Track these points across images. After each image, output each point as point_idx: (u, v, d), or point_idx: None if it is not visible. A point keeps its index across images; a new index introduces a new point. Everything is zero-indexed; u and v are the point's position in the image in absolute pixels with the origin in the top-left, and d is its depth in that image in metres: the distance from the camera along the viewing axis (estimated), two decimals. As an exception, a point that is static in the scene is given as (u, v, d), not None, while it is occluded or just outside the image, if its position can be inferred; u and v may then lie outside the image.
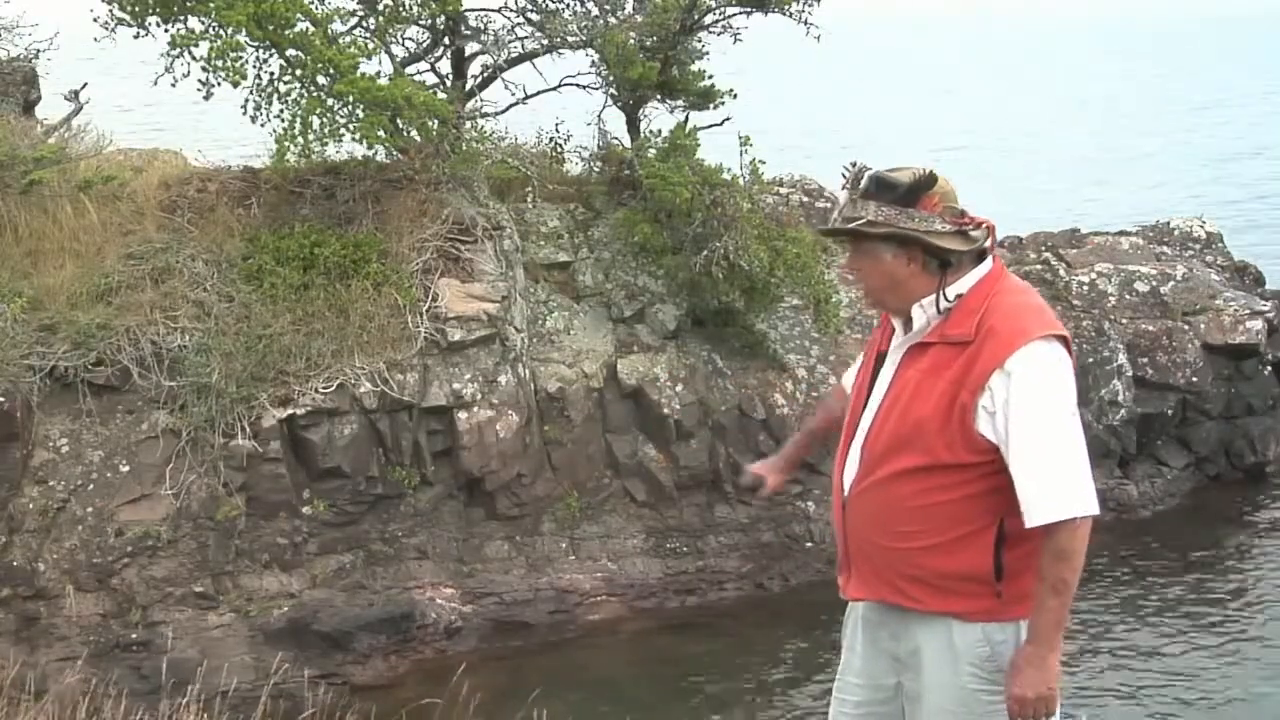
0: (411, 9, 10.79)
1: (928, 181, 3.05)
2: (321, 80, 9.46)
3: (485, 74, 11.35)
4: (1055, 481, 2.94)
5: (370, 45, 10.17)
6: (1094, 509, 2.97)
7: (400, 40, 11.22)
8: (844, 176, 3.15)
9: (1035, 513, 2.95)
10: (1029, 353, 2.97)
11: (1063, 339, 3.05)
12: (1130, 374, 11.81)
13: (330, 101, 9.43)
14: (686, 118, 11.31)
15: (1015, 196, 23.44)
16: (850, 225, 3.10)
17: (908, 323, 3.18)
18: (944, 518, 3.06)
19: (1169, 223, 13.92)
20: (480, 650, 9.28)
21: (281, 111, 9.51)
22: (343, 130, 9.53)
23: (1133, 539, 10.92)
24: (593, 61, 11.28)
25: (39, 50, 12.90)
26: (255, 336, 9.22)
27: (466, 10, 10.93)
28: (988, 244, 3.11)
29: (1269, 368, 12.39)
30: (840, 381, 3.71)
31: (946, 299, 3.06)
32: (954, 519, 3.05)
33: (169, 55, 9.53)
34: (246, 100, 9.57)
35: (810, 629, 9.47)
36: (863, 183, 3.10)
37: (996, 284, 3.10)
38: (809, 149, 23.91)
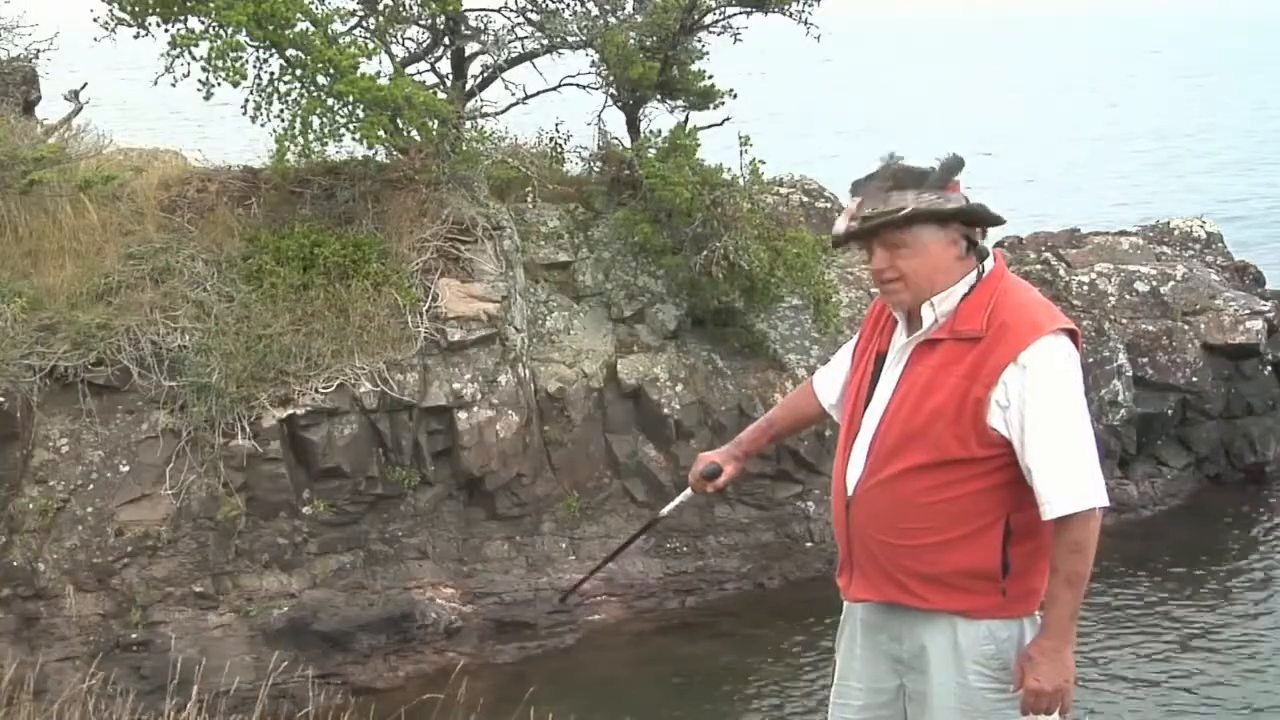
0: (411, 9, 10.80)
1: (957, 164, 3.08)
2: (321, 80, 9.45)
3: (485, 74, 11.35)
4: (1070, 474, 2.96)
5: (370, 45, 10.17)
6: (1106, 500, 2.99)
7: (400, 40, 11.23)
8: (873, 175, 3.11)
9: (1052, 505, 2.96)
10: (1042, 347, 2.98)
11: (1071, 333, 3.07)
12: (1130, 374, 11.81)
13: (330, 101, 9.42)
14: (686, 118, 11.32)
15: (1016, 196, 23.44)
16: (897, 215, 3.04)
17: (911, 322, 3.18)
18: (952, 514, 3.06)
19: (1169, 223, 13.94)
20: (480, 650, 9.28)
21: (281, 111, 9.51)
22: (343, 130, 9.52)
23: (1133, 539, 10.92)
24: (593, 61, 11.29)
25: (39, 50, 12.89)
26: (255, 336, 9.22)
27: (466, 10, 10.94)
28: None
29: (1269, 368, 12.39)
30: (813, 381, 3.64)
31: (980, 270, 3.07)
32: (962, 515, 3.06)
33: (169, 55, 9.52)
34: (246, 100, 9.56)
35: (810, 629, 9.47)
36: (893, 174, 3.07)
37: (1001, 280, 3.12)
38: (812, 150, 23.92)
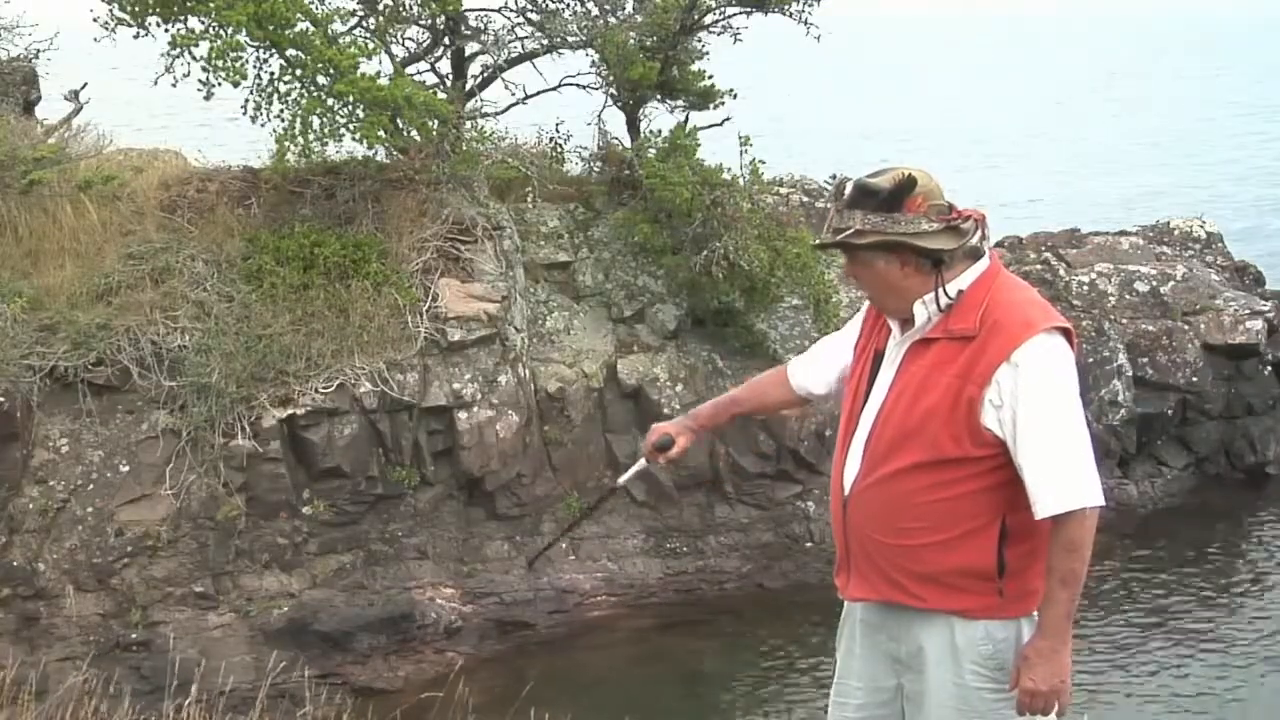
0: (411, 9, 10.80)
1: (908, 185, 3.05)
2: (321, 80, 9.45)
3: (485, 74, 11.35)
4: (1063, 473, 2.95)
5: (370, 45, 10.17)
6: (1101, 500, 2.98)
7: (400, 40, 11.22)
8: (828, 188, 3.16)
9: (1044, 504, 2.95)
10: (1035, 345, 2.98)
11: (1065, 331, 3.06)
12: (1130, 374, 11.81)
13: (330, 101, 9.42)
14: (686, 118, 11.32)
15: (1015, 196, 23.45)
16: (839, 237, 3.11)
17: (905, 321, 3.18)
18: (948, 514, 3.05)
19: (1169, 223, 13.93)
20: (480, 650, 9.28)
21: (281, 111, 9.51)
22: (343, 130, 9.52)
23: (1133, 539, 10.92)
24: (593, 61, 11.29)
25: (39, 50, 12.90)
26: (255, 336, 9.22)
27: (466, 10, 10.93)
28: (977, 238, 3.10)
29: (1269, 368, 12.39)
30: (787, 368, 3.63)
31: (948, 295, 3.06)
32: (958, 515, 3.05)
33: (169, 55, 9.52)
34: (246, 100, 9.56)
35: (810, 629, 9.47)
36: (847, 192, 3.11)
37: (995, 279, 3.11)
38: (812, 150, 23.93)
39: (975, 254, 3.11)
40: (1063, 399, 2.98)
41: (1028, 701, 3.03)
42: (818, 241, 3.25)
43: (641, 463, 3.67)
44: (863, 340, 3.36)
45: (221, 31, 9.28)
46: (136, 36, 9.63)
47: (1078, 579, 2.97)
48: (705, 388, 10.45)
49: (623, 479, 3.82)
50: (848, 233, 3.08)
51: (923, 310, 3.10)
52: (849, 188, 3.10)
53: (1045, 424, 2.95)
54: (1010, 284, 3.13)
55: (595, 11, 11.33)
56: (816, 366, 3.56)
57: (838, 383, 3.53)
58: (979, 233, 3.10)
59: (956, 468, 3.04)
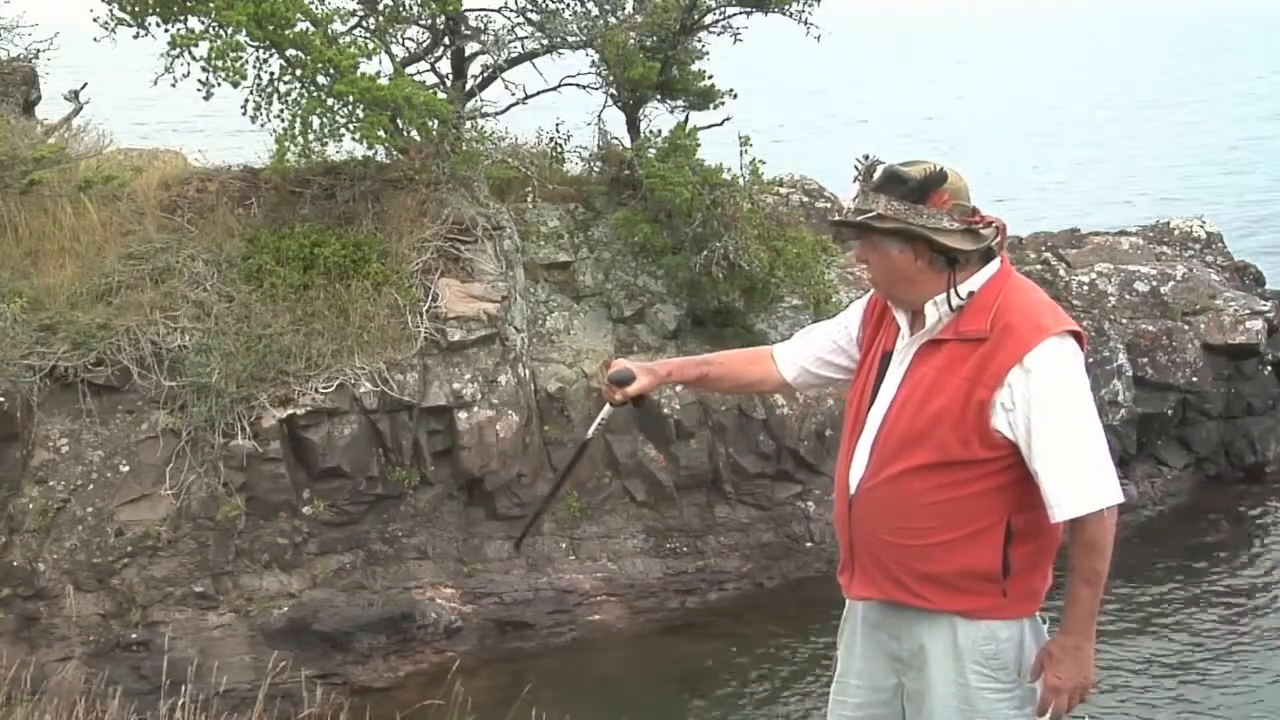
0: (411, 9, 10.80)
1: (938, 178, 3.05)
2: (321, 80, 9.46)
3: (485, 74, 11.35)
4: (1081, 475, 2.97)
5: (370, 45, 10.17)
6: (1118, 497, 3.03)
7: (400, 40, 11.23)
8: (856, 169, 3.14)
9: (1062, 508, 2.97)
10: (1047, 349, 2.98)
11: (1076, 334, 3.06)
12: (1130, 374, 11.81)
13: (330, 101, 9.43)
14: (686, 118, 11.33)
15: (1016, 195, 23.46)
16: (859, 218, 3.10)
17: (913, 319, 3.18)
18: (955, 514, 3.06)
19: (1169, 223, 13.93)
20: (480, 650, 9.28)
21: (281, 111, 9.51)
22: (343, 130, 9.53)
23: (1133, 539, 10.91)
24: (593, 61, 11.30)
25: (39, 50, 12.90)
26: (255, 336, 9.22)
27: (466, 10, 10.94)
28: (995, 243, 3.10)
29: (1269, 368, 12.39)
30: (773, 350, 3.61)
31: (959, 296, 3.05)
32: (965, 516, 3.06)
33: (169, 55, 9.52)
34: (246, 100, 9.56)
35: (810, 629, 9.47)
36: (875, 175, 3.09)
37: (1007, 281, 3.11)
38: (810, 147, 23.93)
39: (988, 256, 3.11)
40: (1075, 402, 2.99)
41: (1050, 697, 3.04)
42: (835, 219, 3.25)
43: (607, 408, 3.59)
44: (869, 339, 3.35)
45: (221, 31, 9.29)
46: (136, 36, 9.63)
47: (1100, 577, 3.03)
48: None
49: (591, 431, 3.73)
50: (869, 215, 3.08)
51: (933, 311, 3.10)
52: (878, 171, 3.09)
53: (1059, 428, 2.96)
54: (1021, 286, 3.13)
55: (595, 11, 11.33)
56: (805, 354, 3.55)
57: (813, 375, 3.56)
58: (996, 240, 3.10)
59: (964, 469, 3.04)
